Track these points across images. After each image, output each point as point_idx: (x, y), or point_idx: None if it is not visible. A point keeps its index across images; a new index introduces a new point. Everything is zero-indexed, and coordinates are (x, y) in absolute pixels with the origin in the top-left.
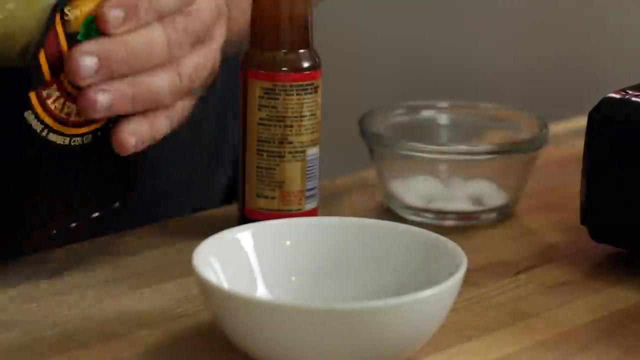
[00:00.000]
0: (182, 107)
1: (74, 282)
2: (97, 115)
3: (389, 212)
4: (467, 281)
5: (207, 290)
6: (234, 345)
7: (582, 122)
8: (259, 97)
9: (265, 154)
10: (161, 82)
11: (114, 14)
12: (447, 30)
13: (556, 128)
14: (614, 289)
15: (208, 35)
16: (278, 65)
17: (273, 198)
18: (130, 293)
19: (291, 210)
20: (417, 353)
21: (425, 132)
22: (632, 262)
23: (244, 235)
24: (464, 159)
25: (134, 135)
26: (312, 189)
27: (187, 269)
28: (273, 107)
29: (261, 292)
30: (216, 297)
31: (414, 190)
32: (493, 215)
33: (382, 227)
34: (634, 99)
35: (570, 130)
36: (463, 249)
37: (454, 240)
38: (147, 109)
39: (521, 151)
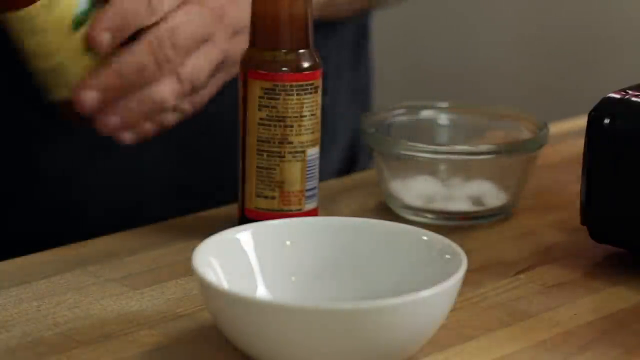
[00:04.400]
0: (201, 96)
1: (74, 282)
2: (113, 134)
3: (389, 212)
4: (467, 281)
5: (207, 290)
6: (234, 345)
7: (582, 122)
8: (259, 97)
9: (265, 154)
10: (163, 91)
11: (103, 37)
12: (447, 30)
13: (556, 128)
14: (614, 289)
15: (206, 38)
16: (278, 65)
17: (273, 198)
18: (130, 293)
19: (291, 210)
20: (417, 353)
21: (425, 132)
22: (632, 262)
23: (244, 235)
24: (464, 159)
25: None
26: (312, 189)
27: (187, 269)
28: (273, 107)
29: (261, 292)
30: (216, 297)
31: (414, 190)
32: (493, 215)
33: (382, 227)
34: (634, 99)
35: (570, 130)
36: (463, 249)
37: (454, 240)
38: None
39: (521, 151)
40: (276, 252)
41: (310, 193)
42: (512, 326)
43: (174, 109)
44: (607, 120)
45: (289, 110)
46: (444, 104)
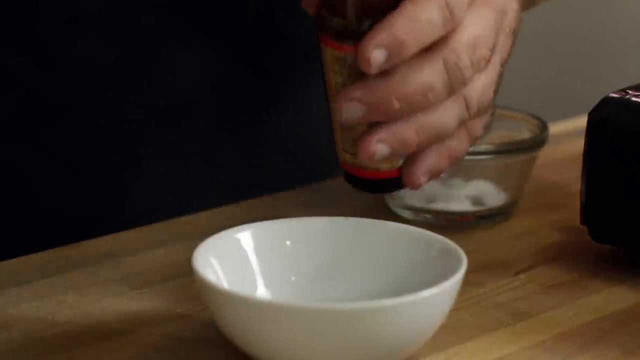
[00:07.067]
0: (483, 118)
1: (74, 282)
2: (377, 165)
3: (389, 212)
4: (467, 281)
5: (207, 290)
6: (234, 345)
7: (582, 122)
8: (331, 62)
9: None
10: (446, 118)
11: (375, 55)
12: None
13: (556, 128)
14: (614, 289)
15: (491, 50)
16: (347, 35)
17: (355, 154)
18: (130, 293)
19: (380, 169)
20: (417, 353)
21: None
22: (632, 262)
23: (244, 235)
24: (464, 159)
25: (428, 173)
26: None
27: (187, 269)
28: (344, 73)
29: (261, 292)
30: (216, 297)
31: (414, 190)
32: (493, 215)
33: (382, 227)
34: (634, 99)
35: (570, 130)
36: (463, 249)
37: (454, 240)
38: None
39: (521, 151)
40: (276, 252)
41: None
42: (512, 326)
43: (467, 134)
44: (607, 120)
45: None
46: None
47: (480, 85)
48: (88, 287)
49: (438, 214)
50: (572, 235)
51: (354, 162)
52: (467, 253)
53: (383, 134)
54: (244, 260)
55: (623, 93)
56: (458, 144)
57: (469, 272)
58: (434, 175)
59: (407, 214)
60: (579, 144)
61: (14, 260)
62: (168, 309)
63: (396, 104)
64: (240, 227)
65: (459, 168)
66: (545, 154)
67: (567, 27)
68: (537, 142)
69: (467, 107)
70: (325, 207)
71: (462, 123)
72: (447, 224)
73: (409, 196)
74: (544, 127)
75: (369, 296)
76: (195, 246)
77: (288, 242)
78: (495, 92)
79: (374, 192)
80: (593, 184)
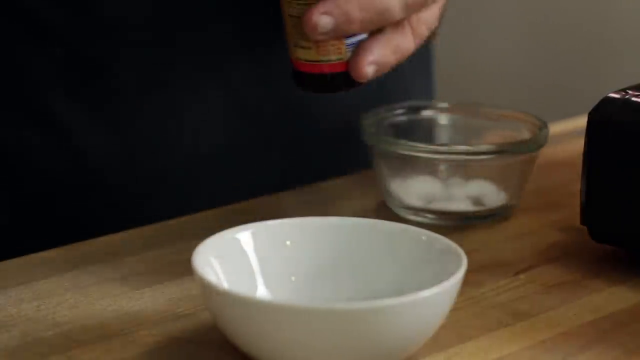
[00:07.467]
0: (426, 19)
1: (74, 282)
2: (321, 38)
3: (389, 212)
4: (467, 281)
5: (207, 290)
6: (234, 345)
7: (582, 122)
8: None
9: (295, 2)
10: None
11: None
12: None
13: (556, 128)
14: (614, 289)
15: None
16: None
17: (309, 48)
18: (130, 293)
19: (330, 60)
20: (417, 353)
21: (425, 132)
22: (632, 262)
23: (244, 235)
24: (464, 159)
25: (374, 64)
26: (352, 36)
27: (187, 269)
28: None
29: (261, 292)
30: (216, 297)
31: (414, 190)
32: (493, 215)
33: (382, 227)
34: (634, 99)
35: (570, 130)
36: (463, 249)
37: (454, 240)
38: (377, 27)
39: (521, 151)
40: (276, 252)
41: (352, 41)
42: (512, 326)
43: (413, 30)
44: (607, 120)
45: None
46: (444, 104)
47: None
48: (88, 287)
49: (438, 214)
50: (572, 235)
51: (305, 56)
52: (467, 253)
53: (328, 6)
54: (244, 260)
55: (623, 93)
56: (403, 40)
57: (469, 272)
58: (380, 68)
59: (407, 214)
60: (579, 144)
61: (15, 260)
62: (168, 309)
63: None
64: (240, 227)
65: (459, 168)
66: (545, 154)
67: (567, 27)
68: (537, 142)
69: None
70: (325, 207)
71: (407, 9)
72: (447, 224)
73: (408, 196)
74: (544, 127)
75: (369, 296)
76: (195, 246)
77: (288, 242)
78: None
79: (323, 90)
80: (593, 184)
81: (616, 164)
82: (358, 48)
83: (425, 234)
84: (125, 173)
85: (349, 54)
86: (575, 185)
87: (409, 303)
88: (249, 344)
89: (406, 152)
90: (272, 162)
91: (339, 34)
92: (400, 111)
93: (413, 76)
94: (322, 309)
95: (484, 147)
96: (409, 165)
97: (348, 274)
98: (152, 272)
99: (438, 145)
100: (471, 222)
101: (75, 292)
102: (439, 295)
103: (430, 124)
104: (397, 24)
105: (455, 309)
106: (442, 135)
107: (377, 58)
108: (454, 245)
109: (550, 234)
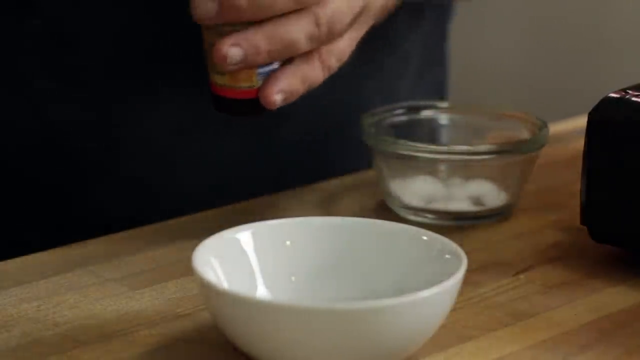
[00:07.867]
0: (336, 51)
1: (74, 282)
2: (231, 69)
3: (389, 212)
4: (467, 281)
5: (207, 290)
6: (234, 345)
7: (582, 122)
8: None
9: (212, 31)
10: (295, 30)
11: None
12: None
13: (556, 128)
14: (614, 289)
15: None
16: None
17: (223, 74)
18: (130, 293)
19: (241, 87)
20: (417, 353)
21: (425, 132)
22: (632, 262)
23: (244, 235)
24: (464, 159)
25: (282, 93)
26: (265, 66)
27: (187, 269)
28: None
29: (261, 292)
30: (216, 297)
31: (414, 190)
32: (493, 215)
33: (382, 227)
34: (634, 99)
35: (570, 130)
36: (463, 249)
37: (454, 240)
38: (285, 58)
39: (521, 151)
40: (276, 252)
41: (262, 70)
42: (512, 326)
43: (322, 62)
44: (607, 120)
45: None
46: (444, 104)
47: (332, 9)
48: (88, 287)
49: (438, 214)
50: (572, 235)
51: (220, 81)
52: (467, 253)
53: (236, 38)
54: (244, 260)
55: (623, 93)
56: (310, 69)
57: (469, 272)
58: (288, 97)
59: (407, 214)
60: (579, 144)
61: (15, 260)
62: (168, 309)
63: (244, 3)
64: (240, 227)
65: (459, 168)
66: (545, 154)
67: (567, 27)
68: (537, 142)
69: (317, 24)
70: (325, 207)
71: (313, 41)
72: (447, 224)
73: (408, 196)
74: (544, 127)
75: (369, 296)
76: (195, 246)
77: (288, 242)
78: (351, 23)
79: (236, 114)
80: (593, 184)
81: (616, 164)
82: (268, 77)
83: (425, 234)
84: (101, 146)
85: (260, 82)
86: (575, 185)
87: (409, 303)
88: (249, 344)
89: (406, 152)
90: (271, 162)
91: (248, 64)
92: (400, 111)
93: (422, 73)
94: (322, 309)
95: (484, 147)
96: (409, 165)
97: (348, 274)
98: (152, 272)
99: (438, 145)
100: (471, 222)
101: (75, 292)
102: (439, 295)
103: (430, 124)
104: (306, 55)
105: (455, 309)
106: (442, 135)
107: (284, 87)
108: (454, 245)
109: (550, 234)
